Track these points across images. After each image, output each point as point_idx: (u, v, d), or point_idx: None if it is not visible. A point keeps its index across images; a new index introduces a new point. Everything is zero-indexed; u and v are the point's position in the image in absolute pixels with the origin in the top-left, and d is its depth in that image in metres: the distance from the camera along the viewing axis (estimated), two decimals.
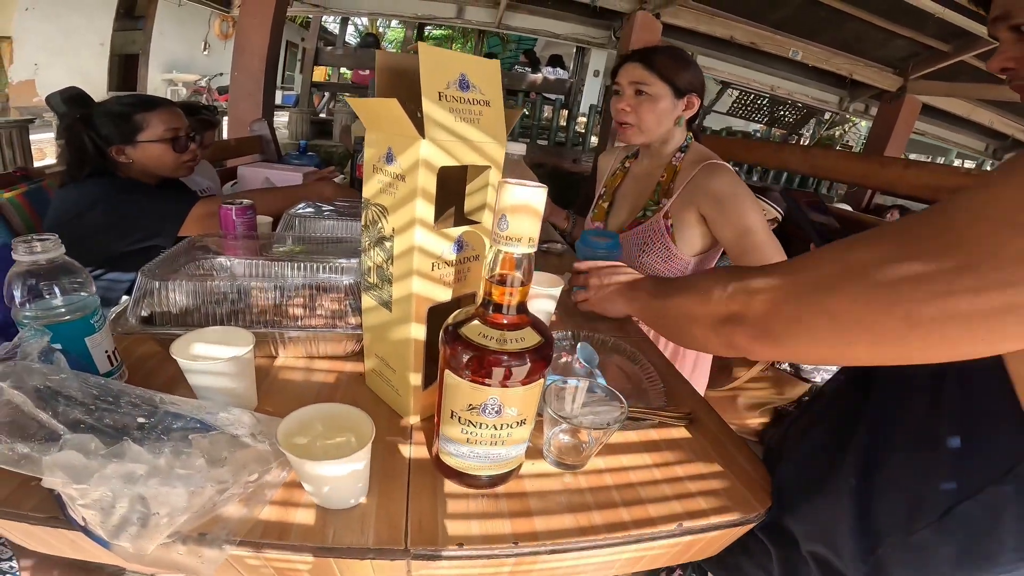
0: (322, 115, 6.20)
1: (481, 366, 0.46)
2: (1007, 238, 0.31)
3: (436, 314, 0.56)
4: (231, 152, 3.24)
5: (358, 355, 0.76)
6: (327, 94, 6.26)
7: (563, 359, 0.81)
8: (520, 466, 0.56)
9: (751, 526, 0.56)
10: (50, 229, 1.13)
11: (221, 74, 8.58)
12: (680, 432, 0.68)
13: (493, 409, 0.48)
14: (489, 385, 0.47)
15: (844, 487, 0.50)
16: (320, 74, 6.73)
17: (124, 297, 0.91)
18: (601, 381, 0.74)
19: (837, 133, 8.25)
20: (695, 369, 1.19)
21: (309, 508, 0.50)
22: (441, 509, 0.51)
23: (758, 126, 7.49)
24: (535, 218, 0.42)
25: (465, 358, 0.46)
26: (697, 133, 1.17)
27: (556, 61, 6.48)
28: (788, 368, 1.85)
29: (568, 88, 6.01)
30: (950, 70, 5.14)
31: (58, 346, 0.54)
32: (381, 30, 11.67)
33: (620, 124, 1.11)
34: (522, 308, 0.47)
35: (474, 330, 0.47)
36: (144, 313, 0.71)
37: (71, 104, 2.09)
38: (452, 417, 0.50)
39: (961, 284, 0.33)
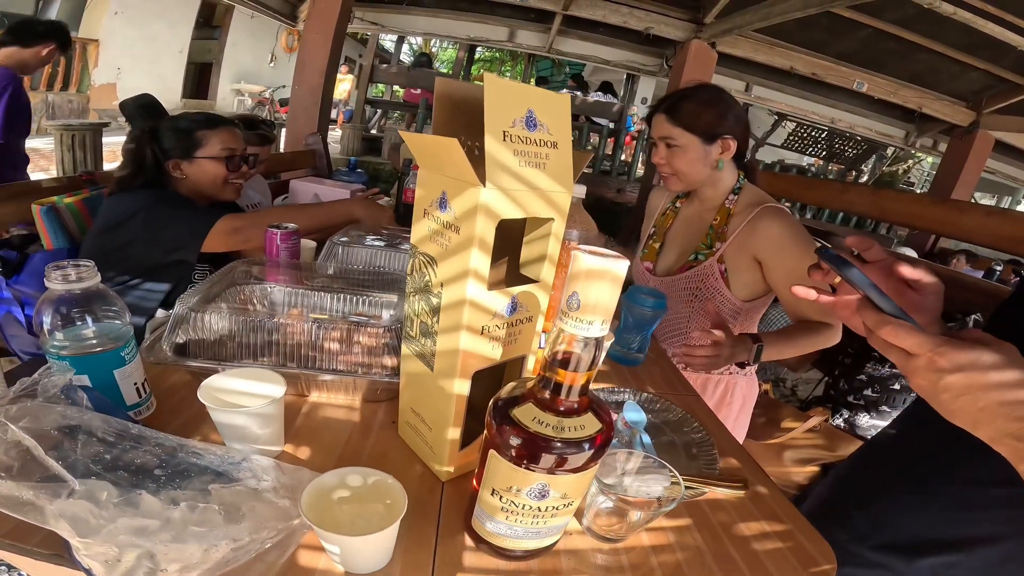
0: (373, 131, 6.38)
1: (532, 454, 0.40)
2: None
3: (480, 375, 0.51)
4: (285, 165, 3.36)
5: (393, 398, 0.71)
6: (379, 111, 6.47)
7: None
8: (558, 540, 0.50)
9: None
10: (94, 235, 1.16)
11: (283, 86, 9.03)
12: (731, 502, 0.60)
13: (538, 493, 0.43)
14: (538, 472, 0.41)
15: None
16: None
17: (159, 312, 0.90)
18: (646, 439, 0.67)
19: (900, 169, 7.83)
20: (740, 414, 1.18)
21: (329, 570, 0.46)
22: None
23: (812, 160, 7.21)
24: (612, 295, 0.37)
25: (515, 443, 0.41)
26: (750, 171, 1.12)
27: (607, 88, 6.46)
28: (843, 425, 1.72)
29: (618, 113, 5.96)
30: None
31: (85, 377, 0.52)
32: (434, 50, 12.05)
33: (661, 175, 1.11)
34: (585, 390, 0.41)
35: (527, 414, 0.41)
36: (179, 340, 0.69)
37: (143, 111, 2.20)
38: (493, 494, 0.45)
39: None
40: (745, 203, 1.06)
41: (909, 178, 8.74)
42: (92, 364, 0.52)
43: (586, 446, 0.41)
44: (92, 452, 0.45)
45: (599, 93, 6.44)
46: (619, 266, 0.36)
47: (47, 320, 0.51)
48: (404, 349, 0.58)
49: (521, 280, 0.51)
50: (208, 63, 8.62)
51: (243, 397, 0.57)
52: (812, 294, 0.57)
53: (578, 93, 6.23)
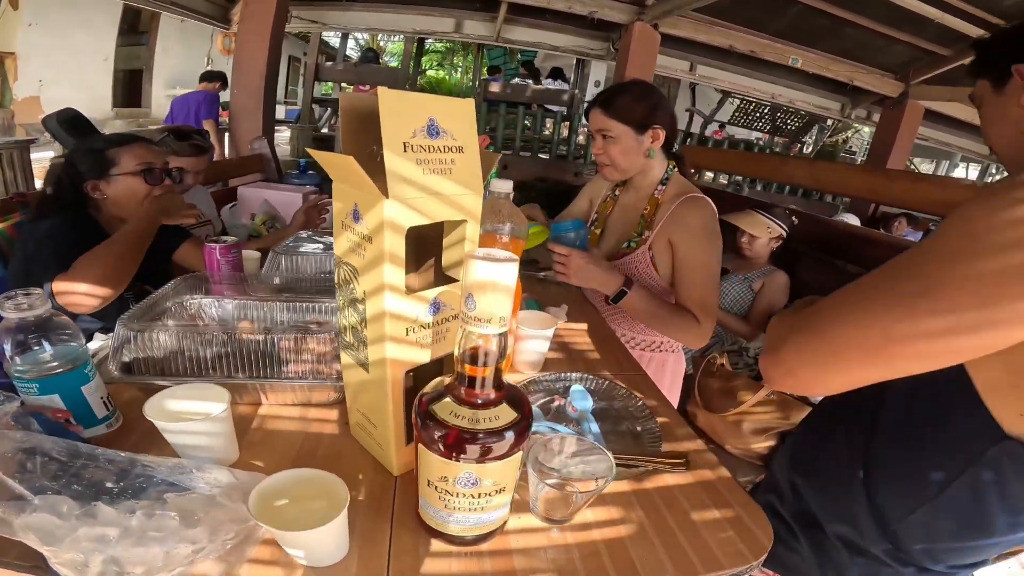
0: (324, 131, 6.21)
1: (454, 445, 0.43)
2: (949, 270, 0.41)
3: (419, 373, 0.52)
4: (232, 171, 3.24)
5: (344, 401, 0.72)
6: (329, 109, 6.29)
7: (556, 403, 0.78)
8: (505, 523, 0.53)
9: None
10: (16, 262, 1.11)
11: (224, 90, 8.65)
12: (674, 478, 0.64)
13: (469, 482, 0.46)
14: (463, 462, 0.44)
15: (855, 479, 0.61)
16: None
17: (97, 338, 0.87)
18: (593, 427, 0.70)
19: (840, 139, 8.20)
20: (671, 389, 1.26)
21: (289, 565, 0.48)
22: (423, 567, 0.49)
23: (760, 135, 7.45)
24: (506, 296, 0.39)
25: (437, 435, 0.44)
26: (680, 160, 1.18)
27: (557, 74, 6.48)
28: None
29: (569, 99, 6.00)
30: (951, 74, 5.09)
31: (56, 396, 0.55)
32: (382, 43, 11.77)
33: (599, 165, 1.16)
34: (498, 383, 0.44)
35: (445, 408, 0.44)
36: (126, 359, 0.68)
37: (66, 126, 2.09)
38: (429, 485, 0.47)
39: (920, 307, 0.42)
40: (672, 193, 1.12)
41: (850, 147, 9.17)
42: (61, 383, 0.56)
43: (505, 435, 0.43)
44: (48, 472, 0.47)
45: (550, 80, 6.46)
46: (509, 270, 0.39)
47: (7, 347, 0.53)
48: (343, 356, 0.59)
49: (446, 279, 0.53)
50: (138, 70, 8.15)
51: (191, 412, 0.58)
52: None
53: (529, 81, 6.23)
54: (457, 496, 0.46)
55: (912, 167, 10.63)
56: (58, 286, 0.99)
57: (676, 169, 1.16)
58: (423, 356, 0.53)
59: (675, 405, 1.27)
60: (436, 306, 0.51)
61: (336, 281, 0.55)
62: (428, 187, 0.46)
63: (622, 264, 1.13)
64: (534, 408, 0.74)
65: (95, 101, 7.07)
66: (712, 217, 1.07)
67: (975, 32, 3.97)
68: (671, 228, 1.08)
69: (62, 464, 0.47)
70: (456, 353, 0.43)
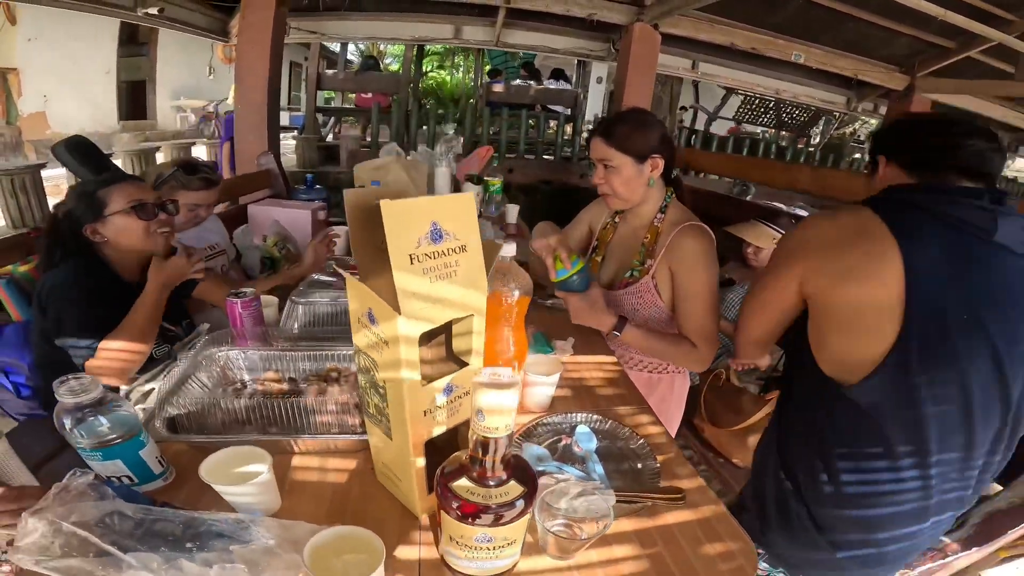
0: (328, 139, 6.24)
1: (471, 515, 0.49)
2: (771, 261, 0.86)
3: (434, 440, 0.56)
4: (239, 189, 3.28)
5: (368, 448, 0.76)
6: (332, 118, 6.32)
7: (563, 442, 0.81)
8: (516, 564, 0.58)
9: None
10: (34, 312, 1.13)
11: (227, 99, 8.70)
12: (672, 515, 0.68)
13: (484, 539, 0.51)
14: (479, 526, 0.49)
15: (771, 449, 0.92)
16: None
17: (143, 384, 0.91)
18: (598, 468, 0.74)
19: (848, 132, 8.14)
20: (678, 404, 1.31)
21: None
22: None
23: (765, 128, 7.41)
24: (509, 413, 0.45)
25: (455, 505, 0.49)
26: (677, 184, 1.20)
27: (559, 74, 6.46)
28: None
29: (572, 99, 5.99)
30: (957, 67, 5.03)
31: (116, 466, 0.62)
32: (382, 46, 11.78)
33: (601, 194, 1.19)
34: (506, 463, 0.50)
35: (463, 488, 0.49)
36: (168, 415, 0.74)
37: (75, 153, 2.12)
38: (450, 540, 0.53)
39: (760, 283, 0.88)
40: (670, 221, 1.15)
41: (859, 137, 9.09)
42: (122, 451, 0.63)
43: (515, 504, 0.50)
44: (127, 530, 0.53)
45: (552, 80, 6.44)
46: (512, 394, 0.44)
47: (67, 423, 0.60)
48: (367, 421, 0.62)
49: (457, 364, 0.56)
50: (141, 81, 8.23)
51: (239, 472, 0.63)
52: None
53: (532, 83, 6.22)
54: (474, 549, 0.52)
55: None
56: (90, 367, 1.04)
57: (674, 195, 1.19)
58: (440, 428, 0.57)
59: (679, 422, 1.31)
60: (449, 389, 0.54)
61: (358, 364, 0.59)
62: (435, 295, 0.49)
63: (626, 293, 1.16)
64: (543, 448, 0.78)
65: (100, 115, 7.16)
66: (710, 244, 1.09)
67: (977, 28, 3.92)
68: (671, 257, 1.11)
69: (137, 522, 0.54)
70: (470, 444, 0.48)
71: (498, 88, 5.89)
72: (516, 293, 0.75)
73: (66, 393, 0.59)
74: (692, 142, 6.22)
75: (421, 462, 0.57)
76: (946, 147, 0.77)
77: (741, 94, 6.65)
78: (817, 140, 7.62)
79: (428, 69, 11.61)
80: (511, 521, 0.49)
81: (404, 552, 0.60)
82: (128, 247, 1.19)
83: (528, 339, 1.05)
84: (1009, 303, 0.70)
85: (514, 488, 0.50)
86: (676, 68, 5.70)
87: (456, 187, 2.30)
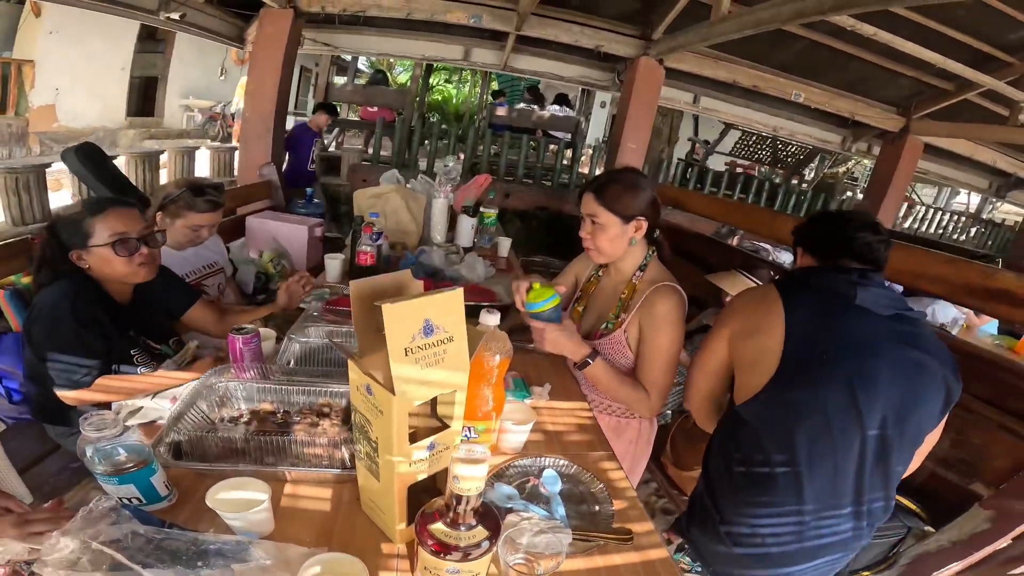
0: (332, 148, 6.34)
1: (443, 552, 0.58)
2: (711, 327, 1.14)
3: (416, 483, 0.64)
4: (240, 200, 3.34)
5: (355, 479, 0.82)
6: (337, 128, 6.42)
7: (531, 483, 0.89)
8: None
9: None
10: (25, 331, 1.18)
11: (231, 101, 8.80)
12: (620, 556, 0.75)
13: (454, 571, 0.59)
14: (449, 561, 0.58)
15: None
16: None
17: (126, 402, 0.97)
18: (560, 509, 0.81)
19: (841, 171, 8.32)
20: (645, 447, 1.36)
21: None
22: None
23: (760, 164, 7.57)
24: (480, 479, 0.56)
25: (430, 543, 0.58)
26: (660, 246, 1.28)
27: (562, 99, 6.61)
28: None
29: (574, 127, 6.12)
30: (953, 109, 5.17)
31: (129, 490, 0.70)
32: (392, 60, 11.96)
33: (585, 247, 1.26)
34: (475, 512, 0.58)
35: (439, 530, 0.58)
36: (170, 440, 0.81)
37: (85, 160, 2.19)
38: (425, 569, 0.61)
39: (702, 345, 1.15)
40: (648, 280, 1.22)
41: (853, 174, 9.27)
42: (136, 477, 0.71)
43: (481, 546, 0.59)
44: (142, 547, 0.61)
45: (555, 105, 6.59)
46: (482, 468, 0.54)
47: (89, 452, 0.69)
48: (357, 460, 0.70)
49: (441, 426, 0.64)
50: (153, 77, 8.32)
51: (239, 498, 0.71)
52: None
53: (535, 107, 6.36)
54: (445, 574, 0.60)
55: (914, 196, 10.73)
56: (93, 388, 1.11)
57: (656, 254, 1.26)
58: (422, 475, 0.66)
59: (646, 462, 1.38)
60: (432, 446, 0.62)
61: (353, 420, 0.67)
62: (425, 379, 0.58)
63: (600, 343, 1.23)
64: (512, 487, 0.86)
65: (109, 111, 7.23)
66: (679, 306, 1.17)
67: (970, 74, 4.02)
68: (642, 313, 1.18)
69: (150, 540, 0.62)
70: (447, 495, 0.56)
71: (501, 112, 6.01)
72: (497, 358, 0.84)
73: (90, 428, 0.67)
74: (688, 175, 6.36)
75: (403, 499, 0.66)
76: (841, 240, 1.03)
77: (739, 130, 6.81)
78: (811, 177, 7.80)
79: (436, 82, 11.78)
80: (477, 558, 0.58)
81: (385, 565, 0.68)
82: (110, 277, 1.20)
83: (507, 383, 1.13)
84: (863, 348, 0.93)
85: (480, 532, 0.58)
86: (678, 101, 5.85)
87: (453, 218, 2.38)
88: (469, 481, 0.54)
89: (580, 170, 6.05)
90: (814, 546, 0.96)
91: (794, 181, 7.31)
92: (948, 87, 4.92)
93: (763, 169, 7.79)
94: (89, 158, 2.14)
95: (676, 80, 5.38)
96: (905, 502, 1.26)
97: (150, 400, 0.99)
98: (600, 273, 1.37)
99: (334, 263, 1.81)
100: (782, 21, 2.98)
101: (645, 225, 1.19)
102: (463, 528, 0.58)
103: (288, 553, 0.64)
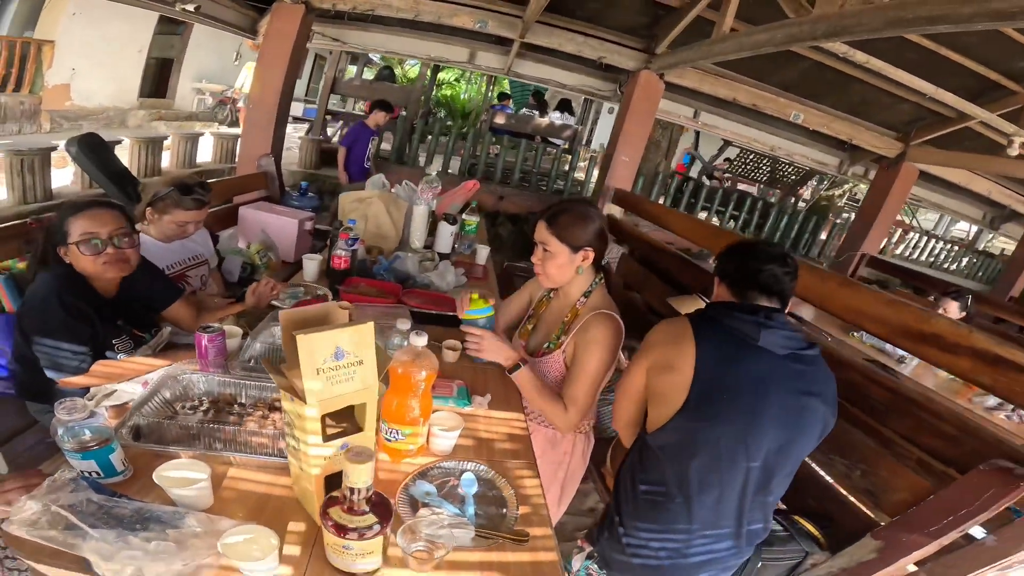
0: (334, 140, 6.45)
1: (339, 532, 0.70)
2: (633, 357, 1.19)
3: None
4: (235, 189, 3.44)
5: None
6: (341, 122, 6.53)
7: (451, 483, 1.00)
8: (377, 570, 0.77)
9: None
10: (18, 318, 1.31)
11: (239, 86, 8.88)
12: (514, 554, 0.86)
13: (348, 549, 0.71)
14: (346, 539, 0.70)
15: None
16: None
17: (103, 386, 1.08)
18: (470, 509, 0.92)
19: (837, 193, 8.38)
20: (581, 461, 1.46)
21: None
22: None
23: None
24: (368, 475, 0.67)
25: (330, 524, 0.70)
26: (607, 273, 1.38)
27: (564, 106, 6.72)
28: None
29: (572, 135, 6.21)
30: (952, 137, 5.20)
31: (91, 464, 0.81)
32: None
33: (536, 272, 1.37)
34: (368, 501, 0.70)
35: (337, 514, 0.70)
36: (132, 423, 0.92)
37: (87, 150, 2.30)
38: (328, 545, 0.74)
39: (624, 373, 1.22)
40: (590, 306, 1.30)
41: (856, 196, 9.31)
42: (96, 455, 0.82)
43: (372, 528, 0.70)
44: (92, 511, 0.73)
45: (557, 112, 6.69)
46: (368, 467, 0.65)
47: (61, 434, 0.80)
48: (289, 454, 0.82)
49: (354, 429, 0.76)
50: (169, 59, 8.42)
51: (183, 477, 0.82)
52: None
53: (536, 113, 6.46)
54: (342, 553, 0.72)
55: (914, 222, 10.77)
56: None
57: (603, 280, 1.36)
58: (336, 469, 0.77)
59: (582, 474, 1.48)
60: (346, 445, 0.75)
61: (284, 415, 0.78)
62: (335, 393, 0.71)
63: (541, 361, 1.33)
64: (432, 485, 0.97)
65: (122, 91, 7.34)
66: (612, 333, 1.25)
67: (965, 106, 4.05)
68: (578, 336, 1.27)
69: (101, 507, 0.74)
70: (344, 489, 0.68)
71: (501, 118, 6.12)
72: (423, 373, 0.95)
73: (63, 411, 0.79)
74: (683, 188, 6.44)
75: (321, 487, 0.78)
76: (750, 272, 1.11)
77: (737, 147, 6.88)
78: (808, 197, 7.86)
79: (446, 78, 11.85)
80: (370, 539, 0.70)
81: (302, 548, 0.79)
82: (85, 272, 1.30)
83: (453, 391, 1.24)
84: (759, 389, 1.02)
85: (371, 518, 0.70)
86: (678, 116, 5.92)
87: (434, 224, 2.48)
88: (357, 476, 0.65)
89: (578, 176, 6.13)
90: (698, 562, 1.08)
91: (792, 200, 7.38)
92: (950, 114, 4.92)
93: (760, 187, 7.87)
94: (92, 148, 2.25)
95: (676, 94, 5.46)
96: (808, 527, 1.33)
97: (124, 384, 1.10)
98: (551, 296, 1.46)
99: (312, 264, 1.92)
100: (776, 45, 3.05)
101: (592, 255, 1.28)
102: (355, 513, 0.69)
103: (218, 524, 0.76)
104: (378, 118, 4.58)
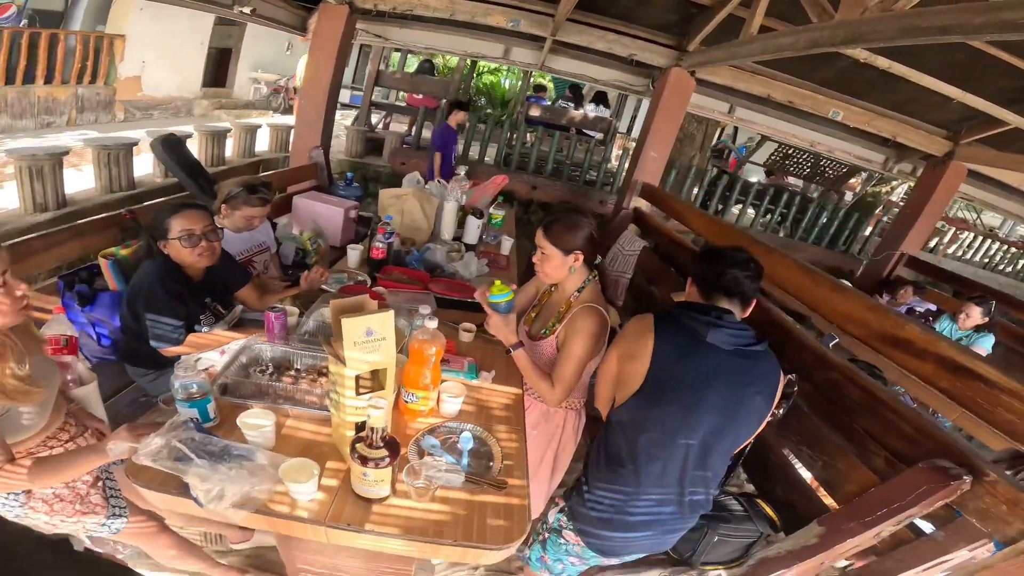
0: (379, 128, 6.78)
1: (361, 462, 0.95)
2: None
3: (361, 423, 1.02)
4: (288, 180, 3.81)
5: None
6: (384, 112, 6.85)
7: (452, 439, 1.26)
8: (388, 496, 1.03)
9: (496, 551, 1.00)
10: (127, 299, 1.65)
11: (293, 76, 9.34)
12: (492, 497, 1.10)
13: (368, 476, 0.97)
14: (367, 468, 0.95)
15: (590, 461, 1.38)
16: None
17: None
18: (464, 460, 1.17)
19: (884, 189, 8.07)
20: (572, 436, 1.68)
21: (286, 498, 1.00)
22: (350, 509, 1.01)
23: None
24: (382, 419, 0.92)
25: (356, 456, 0.96)
26: (602, 273, 1.59)
27: (600, 98, 6.77)
28: None
29: (607, 128, 6.30)
30: (1004, 136, 4.98)
31: (195, 410, 1.09)
32: None
33: (537, 272, 1.59)
34: (383, 440, 0.95)
35: (361, 447, 0.96)
36: (222, 383, 1.23)
37: (168, 149, 2.66)
38: (353, 476, 1.00)
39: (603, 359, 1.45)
40: (581, 300, 1.51)
41: (904, 194, 8.91)
42: (200, 404, 1.10)
43: (384, 460, 0.95)
44: (195, 446, 1.00)
45: (593, 104, 6.77)
46: (382, 411, 0.90)
47: (177, 387, 1.07)
48: (331, 407, 1.09)
49: (380, 387, 1.02)
50: (228, 49, 8.97)
51: (256, 423, 1.11)
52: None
53: (571, 105, 6.57)
54: (362, 481, 0.98)
55: (978, 220, 10.16)
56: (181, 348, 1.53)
57: (596, 277, 1.57)
58: (363, 418, 1.03)
59: (574, 448, 1.71)
60: (369, 398, 1.00)
61: (329, 378, 1.05)
62: (365, 360, 0.96)
63: (539, 345, 1.56)
64: (437, 440, 1.23)
65: (187, 82, 7.92)
66: (597, 324, 1.45)
67: (995, 111, 3.90)
68: (568, 325, 1.49)
69: (200, 443, 1.01)
70: (366, 429, 0.94)
71: (536, 110, 6.26)
72: (433, 349, 1.21)
73: (180, 369, 1.07)
74: (717, 184, 6.41)
75: (351, 433, 1.04)
76: (712, 275, 1.28)
77: (775, 142, 6.76)
78: (850, 196, 7.60)
79: (486, 66, 11.98)
80: (382, 468, 0.96)
81: (335, 481, 1.06)
82: (182, 261, 1.61)
83: (463, 366, 1.50)
84: (701, 380, 1.20)
85: (383, 452, 0.96)
86: (712, 111, 5.89)
87: (463, 217, 2.74)
88: (375, 420, 0.91)
89: (610, 167, 6.22)
90: (644, 520, 1.28)
91: (833, 195, 7.18)
92: (999, 115, 4.73)
93: (800, 182, 7.69)
94: (171, 146, 2.62)
95: (709, 90, 5.44)
96: (767, 510, 1.45)
97: (207, 353, 1.42)
98: (552, 290, 1.69)
99: (354, 253, 2.21)
100: (798, 49, 3.07)
101: (582, 257, 1.50)
102: (373, 447, 0.95)
103: (278, 459, 1.04)
104: (458, 117, 4.77)
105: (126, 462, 1.00)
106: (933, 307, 4.78)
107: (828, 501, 1.56)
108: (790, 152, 6.83)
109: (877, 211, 7.54)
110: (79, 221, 2.03)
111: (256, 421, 1.11)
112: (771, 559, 1.38)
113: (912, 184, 7.81)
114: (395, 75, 6.76)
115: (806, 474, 1.70)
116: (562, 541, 1.37)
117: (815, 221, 6.51)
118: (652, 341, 1.23)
